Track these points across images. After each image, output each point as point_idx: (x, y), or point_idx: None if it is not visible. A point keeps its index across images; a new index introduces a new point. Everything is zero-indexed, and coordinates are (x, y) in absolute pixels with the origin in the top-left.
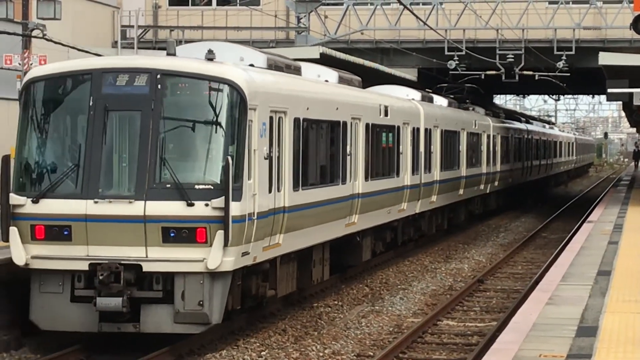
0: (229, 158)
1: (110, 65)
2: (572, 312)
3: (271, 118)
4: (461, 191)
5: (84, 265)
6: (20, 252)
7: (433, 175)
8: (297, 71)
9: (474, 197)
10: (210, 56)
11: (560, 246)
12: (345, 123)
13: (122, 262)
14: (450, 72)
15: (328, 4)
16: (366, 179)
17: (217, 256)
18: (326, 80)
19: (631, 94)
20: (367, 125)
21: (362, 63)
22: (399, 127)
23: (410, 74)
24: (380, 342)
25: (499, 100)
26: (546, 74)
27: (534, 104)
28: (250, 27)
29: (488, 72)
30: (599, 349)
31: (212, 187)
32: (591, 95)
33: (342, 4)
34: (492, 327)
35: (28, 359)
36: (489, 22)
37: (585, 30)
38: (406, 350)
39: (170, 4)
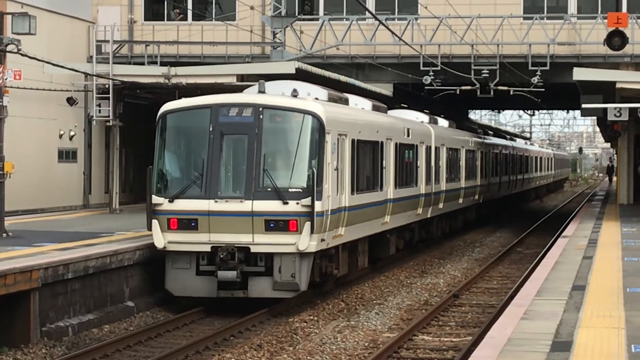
0: (314, 169)
1: (224, 101)
2: (547, 327)
3: (338, 139)
4: (461, 200)
5: (207, 248)
6: (159, 238)
7: (441, 185)
8: (346, 102)
9: (470, 205)
10: (294, 93)
11: (535, 261)
12: (382, 143)
13: (236, 245)
14: (426, 87)
15: (303, 19)
16: (395, 187)
17: (305, 241)
18: (362, 108)
19: (605, 109)
20: (396, 144)
21: (338, 78)
22: (416, 145)
23: (386, 89)
24: (356, 357)
25: (474, 115)
26: (521, 89)
27: (509, 119)
28: (226, 42)
29: (463, 88)
30: None
31: (301, 190)
32: (566, 111)
33: (317, 20)
34: (467, 342)
35: None
36: (464, 38)
37: (559, 45)
38: None
39: (145, 19)
